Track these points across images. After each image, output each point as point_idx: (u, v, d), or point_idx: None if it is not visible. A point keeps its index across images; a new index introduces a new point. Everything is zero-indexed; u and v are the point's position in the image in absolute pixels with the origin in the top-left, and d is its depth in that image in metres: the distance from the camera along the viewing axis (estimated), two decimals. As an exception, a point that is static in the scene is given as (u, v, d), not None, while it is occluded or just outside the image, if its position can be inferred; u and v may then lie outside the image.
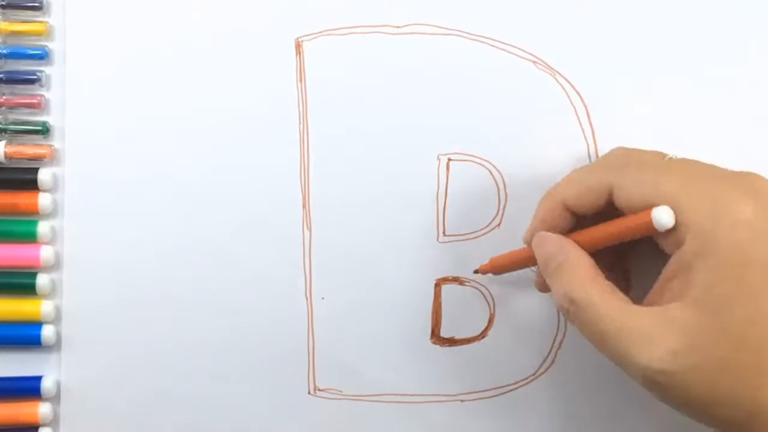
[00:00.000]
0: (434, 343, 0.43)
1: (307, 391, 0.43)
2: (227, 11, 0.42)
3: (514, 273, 0.41)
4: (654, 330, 0.32)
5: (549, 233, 0.37)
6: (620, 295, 0.34)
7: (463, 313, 0.43)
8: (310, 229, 0.43)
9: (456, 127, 0.42)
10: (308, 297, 0.43)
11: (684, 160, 0.36)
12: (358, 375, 0.43)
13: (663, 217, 0.32)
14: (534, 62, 0.42)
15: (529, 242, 0.38)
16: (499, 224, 0.43)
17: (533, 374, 0.43)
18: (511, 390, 0.43)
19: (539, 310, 0.43)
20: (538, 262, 0.37)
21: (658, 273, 0.35)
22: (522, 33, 0.42)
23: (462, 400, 0.43)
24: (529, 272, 0.41)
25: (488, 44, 0.42)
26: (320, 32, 0.42)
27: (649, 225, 0.33)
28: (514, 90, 0.42)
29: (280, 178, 0.42)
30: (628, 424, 0.43)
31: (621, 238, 0.35)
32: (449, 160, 0.42)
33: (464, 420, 0.43)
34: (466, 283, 0.43)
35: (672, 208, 0.32)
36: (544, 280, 0.37)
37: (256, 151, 0.42)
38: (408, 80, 0.42)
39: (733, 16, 0.42)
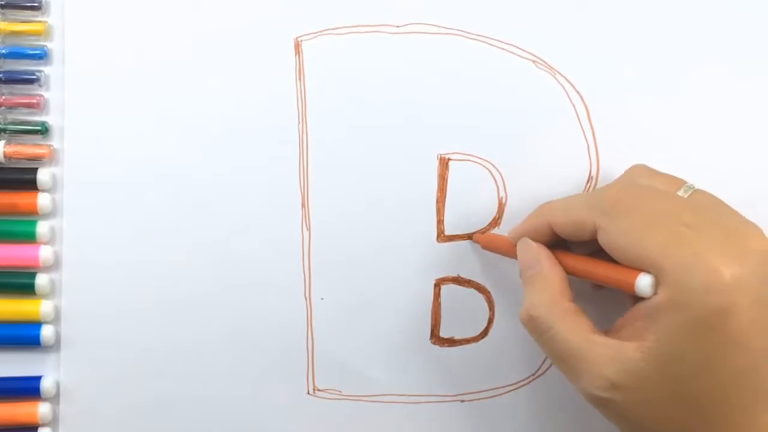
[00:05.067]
0: (434, 343, 0.43)
1: (307, 392, 0.43)
2: (226, 11, 0.42)
3: (514, 273, 0.41)
4: (603, 361, 0.34)
5: (531, 242, 0.38)
6: (582, 319, 0.36)
7: (462, 313, 0.43)
8: (309, 229, 0.43)
9: (456, 126, 0.42)
10: (307, 297, 0.43)
11: (696, 199, 0.36)
12: (358, 375, 0.43)
13: (645, 286, 0.33)
14: (534, 62, 0.42)
15: (514, 241, 0.40)
16: (498, 224, 0.42)
17: (533, 374, 0.43)
18: (511, 390, 0.43)
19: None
20: (519, 264, 0.39)
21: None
22: (522, 33, 0.42)
23: (462, 400, 0.43)
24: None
25: (488, 44, 0.42)
26: (320, 32, 0.42)
27: (630, 286, 0.34)
28: (514, 90, 0.42)
29: (280, 178, 0.42)
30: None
31: (601, 282, 0.37)
32: (449, 159, 0.42)
33: (464, 420, 0.43)
34: (466, 284, 0.43)
35: (651, 269, 0.33)
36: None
37: (255, 151, 0.42)
38: (408, 80, 0.42)
39: (733, 15, 0.42)
